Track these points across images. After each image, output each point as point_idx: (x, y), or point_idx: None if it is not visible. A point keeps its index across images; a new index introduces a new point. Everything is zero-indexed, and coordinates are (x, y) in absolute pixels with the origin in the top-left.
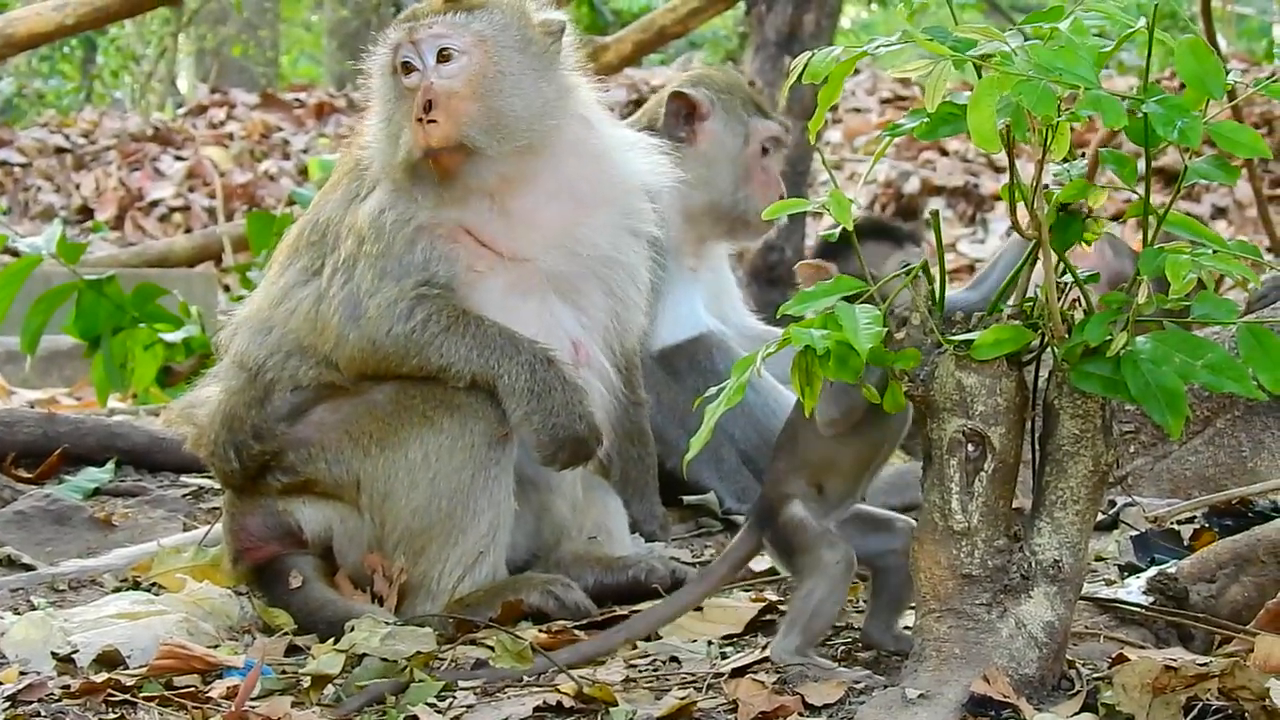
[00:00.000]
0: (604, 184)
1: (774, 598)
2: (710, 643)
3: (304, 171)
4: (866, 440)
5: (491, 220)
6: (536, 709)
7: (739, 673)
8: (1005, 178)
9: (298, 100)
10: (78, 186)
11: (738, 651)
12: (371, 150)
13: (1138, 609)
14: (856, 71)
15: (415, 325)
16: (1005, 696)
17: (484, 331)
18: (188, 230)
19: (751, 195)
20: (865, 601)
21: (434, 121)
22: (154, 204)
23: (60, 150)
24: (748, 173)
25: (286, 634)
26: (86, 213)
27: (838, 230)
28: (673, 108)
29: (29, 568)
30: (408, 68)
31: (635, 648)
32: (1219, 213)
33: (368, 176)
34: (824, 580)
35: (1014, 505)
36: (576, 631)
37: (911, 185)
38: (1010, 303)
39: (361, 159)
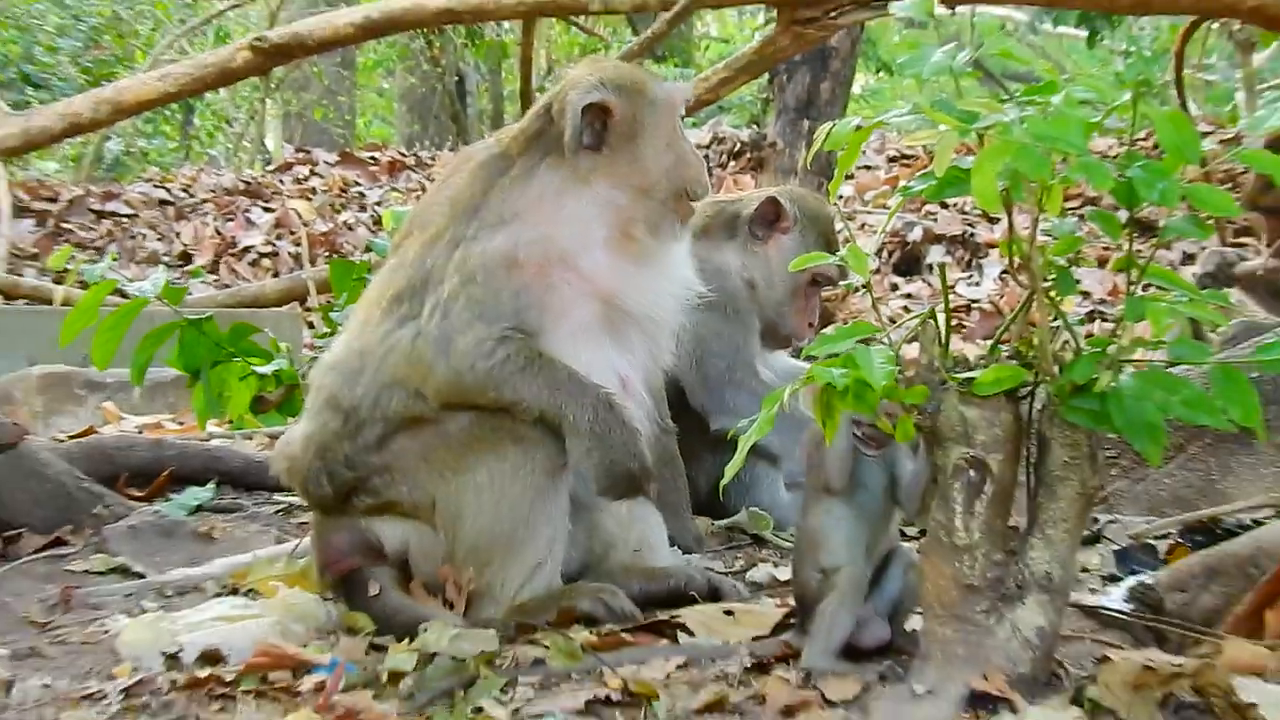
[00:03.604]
0: (668, 261)
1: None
2: (740, 644)
3: (378, 221)
4: (848, 517)
5: (604, 260)
6: (587, 702)
7: (766, 670)
8: (998, 228)
9: (372, 158)
10: (178, 235)
11: (765, 651)
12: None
13: (1119, 615)
14: None
15: (495, 363)
16: (1002, 692)
17: (554, 374)
18: (276, 274)
19: (788, 315)
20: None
21: None
22: (246, 250)
23: (163, 203)
24: (794, 293)
25: (367, 635)
26: (186, 258)
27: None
28: (765, 210)
29: (140, 576)
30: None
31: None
32: (1188, 259)
33: (476, 221)
34: (835, 594)
35: (1010, 523)
36: (623, 634)
37: (915, 234)
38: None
39: (469, 204)
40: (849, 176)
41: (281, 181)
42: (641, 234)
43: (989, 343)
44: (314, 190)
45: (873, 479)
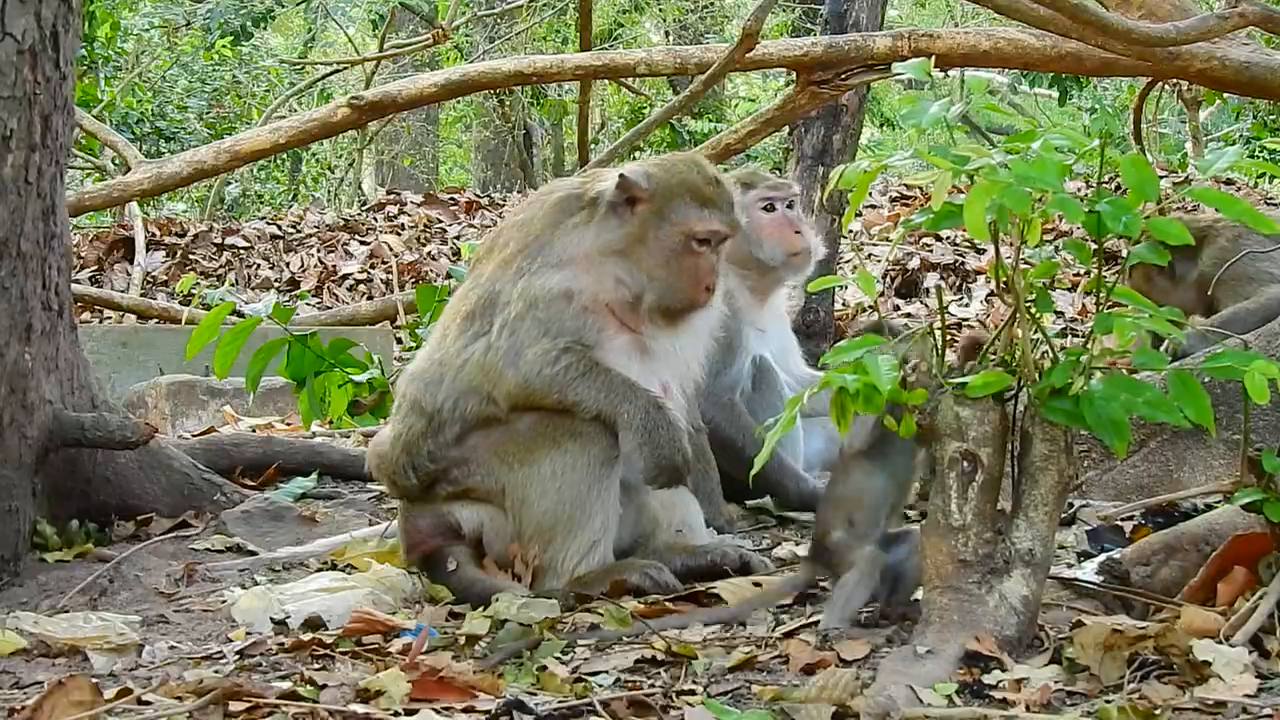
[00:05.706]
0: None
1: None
2: (768, 611)
3: (457, 253)
4: (881, 482)
5: (633, 315)
6: (636, 661)
7: (790, 634)
8: (985, 257)
9: (452, 199)
10: (287, 264)
11: (790, 618)
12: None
13: (1091, 585)
14: None
15: (559, 370)
16: (992, 652)
17: (610, 379)
18: (370, 297)
19: (764, 243)
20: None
21: None
22: (344, 277)
23: (274, 237)
24: (757, 230)
25: (447, 604)
26: (294, 284)
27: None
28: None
29: (253, 553)
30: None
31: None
32: None
33: (540, 258)
34: (855, 571)
35: (998, 507)
36: (667, 603)
37: (914, 263)
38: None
39: (537, 240)
40: (858, 214)
41: (375, 219)
42: (642, 311)
43: (979, 353)
44: (402, 226)
45: (903, 449)
